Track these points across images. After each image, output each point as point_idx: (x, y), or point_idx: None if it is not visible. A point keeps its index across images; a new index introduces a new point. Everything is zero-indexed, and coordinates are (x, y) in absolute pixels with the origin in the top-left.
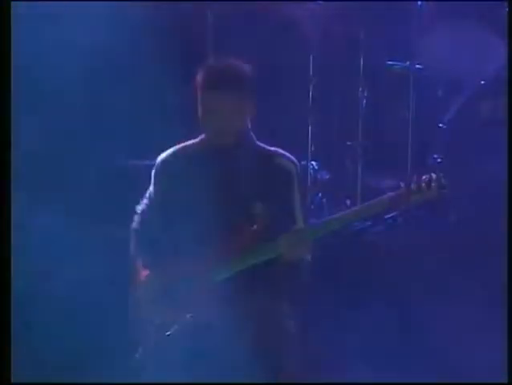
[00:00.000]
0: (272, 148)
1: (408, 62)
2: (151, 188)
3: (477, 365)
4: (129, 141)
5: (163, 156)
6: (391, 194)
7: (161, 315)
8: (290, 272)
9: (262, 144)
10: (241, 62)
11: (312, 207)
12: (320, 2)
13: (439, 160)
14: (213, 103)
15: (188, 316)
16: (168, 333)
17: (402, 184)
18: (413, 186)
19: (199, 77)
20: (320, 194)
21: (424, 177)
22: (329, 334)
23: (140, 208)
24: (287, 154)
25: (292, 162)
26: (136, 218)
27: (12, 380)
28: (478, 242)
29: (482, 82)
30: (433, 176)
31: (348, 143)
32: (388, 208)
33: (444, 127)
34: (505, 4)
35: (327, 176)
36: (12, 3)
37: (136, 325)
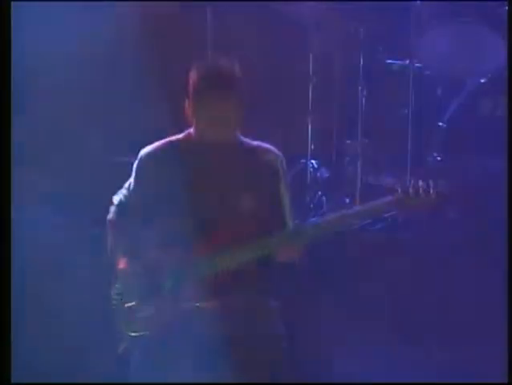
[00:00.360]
0: (255, 142)
1: (407, 61)
2: (131, 179)
3: (478, 364)
4: (127, 139)
5: (147, 149)
6: (387, 198)
7: (145, 307)
8: (280, 271)
9: (245, 139)
10: (230, 61)
11: (312, 205)
12: (320, 2)
13: (438, 159)
14: (213, 102)
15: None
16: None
17: (399, 189)
18: (411, 191)
19: (195, 76)
20: (320, 192)
21: (421, 183)
22: (328, 333)
23: (117, 198)
24: (272, 147)
25: (277, 155)
26: (114, 209)
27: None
28: (478, 241)
29: (482, 80)
30: (431, 182)
31: (348, 141)
32: (385, 212)
33: (444, 125)
34: (505, 4)
35: (327, 175)
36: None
37: (118, 319)
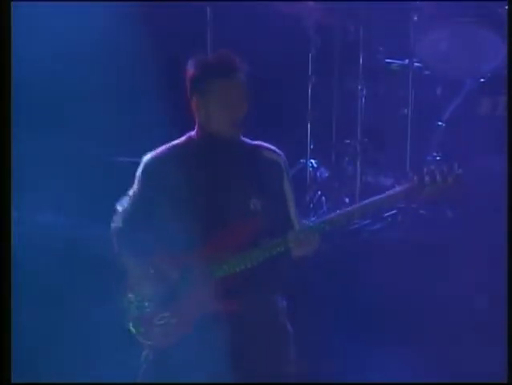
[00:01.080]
0: (256, 142)
1: (406, 61)
2: (136, 186)
3: (478, 364)
4: (127, 139)
5: (152, 155)
6: (404, 186)
7: (161, 315)
8: (294, 267)
9: (246, 139)
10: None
11: (311, 205)
12: (320, 2)
13: (438, 158)
14: (230, 89)
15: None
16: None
17: (415, 177)
18: (427, 179)
19: (199, 69)
20: (319, 192)
21: (436, 168)
22: (327, 332)
23: (121, 207)
24: (272, 146)
25: (279, 154)
26: (119, 217)
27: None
28: (477, 239)
29: (481, 80)
30: (445, 167)
31: (347, 141)
32: (401, 201)
33: (443, 125)
34: (506, 4)
35: (326, 174)
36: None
37: (135, 327)
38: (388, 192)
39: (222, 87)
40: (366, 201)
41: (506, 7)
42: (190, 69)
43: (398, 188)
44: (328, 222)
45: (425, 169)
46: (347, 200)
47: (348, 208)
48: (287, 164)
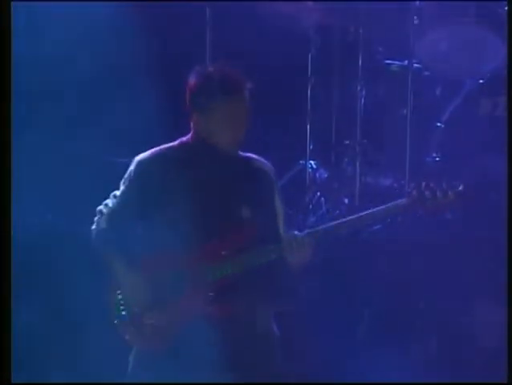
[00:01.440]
0: (247, 154)
1: (406, 61)
2: (124, 186)
3: (478, 364)
4: (126, 140)
5: (142, 157)
6: (402, 201)
7: (151, 315)
8: (286, 273)
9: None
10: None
11: (311, 206)
12: (320, 2)
13: (437, 159)
14: (233, 109)
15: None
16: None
17: (414, 191)
18: (427, 193)
19: (208, 87)
20: (319, 193)
21: (433, 184)
22: (326, 332)
23: (106, 208)
24: (262, 159)
25: (270, 167)
26: (104, 217)
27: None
28: (477, 239)
29: (481, 80)
30: (444, 183)
31: (347, 142)
32: (399, 214)
33: (442, 126)
34: (505, 4)
35: (326, 175)
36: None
37: (124, 327)
38: (386, 206)
39: (226, 107)
40: (365, 213)
41: (506, 7)
42: (192, 82)
43: (397, 202)
44: (322, 232)
45: (423, 184)
46: (346, 200)
47: (344, 220)
48: (277, 177)
